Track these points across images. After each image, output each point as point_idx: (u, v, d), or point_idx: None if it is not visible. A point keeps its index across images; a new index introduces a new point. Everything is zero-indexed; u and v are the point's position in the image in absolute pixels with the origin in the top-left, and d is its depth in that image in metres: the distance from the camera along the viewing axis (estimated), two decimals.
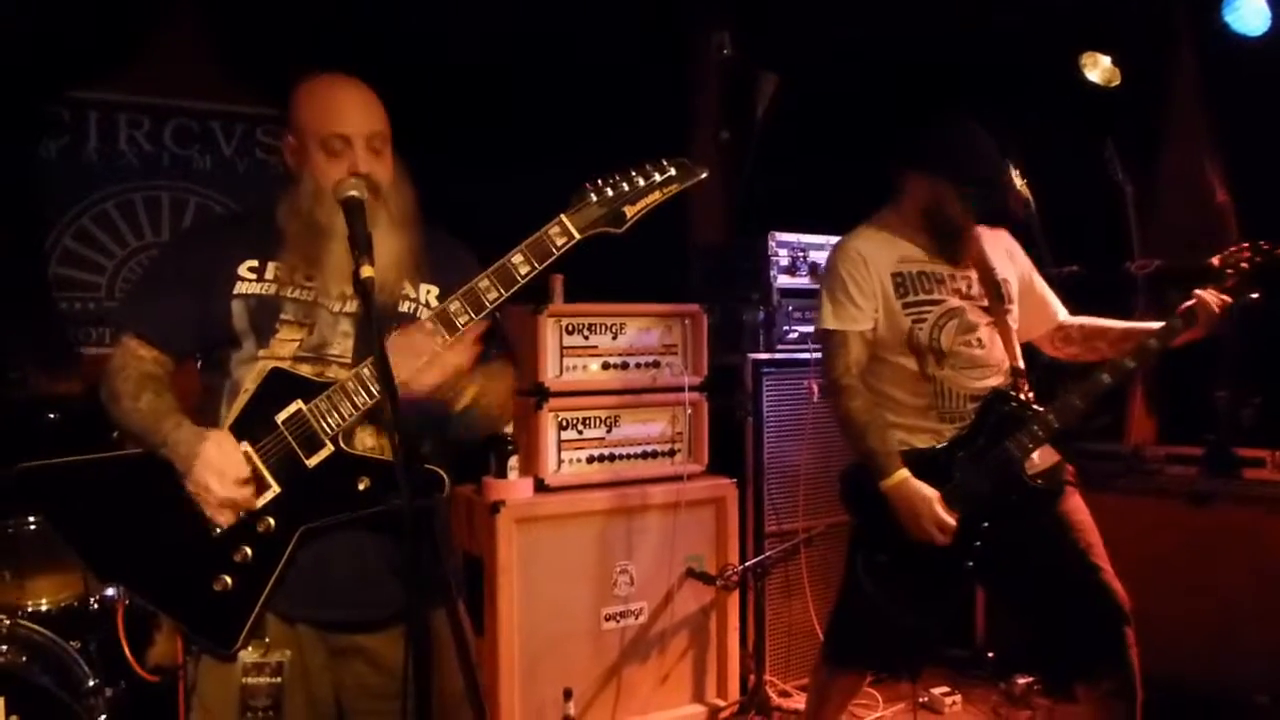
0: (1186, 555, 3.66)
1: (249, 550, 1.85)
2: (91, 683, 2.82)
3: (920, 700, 3.93)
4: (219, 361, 1.96)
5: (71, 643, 2.87)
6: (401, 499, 1.61)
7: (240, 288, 1.93)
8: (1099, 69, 4.22)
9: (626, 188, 1.94)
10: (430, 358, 1.84)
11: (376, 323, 1.73)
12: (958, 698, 3.95)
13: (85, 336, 4.14)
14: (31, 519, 2.99)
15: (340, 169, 1.90)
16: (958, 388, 2.79)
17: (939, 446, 2.78)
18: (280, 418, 1.85)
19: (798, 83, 4.67)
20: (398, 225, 1.95)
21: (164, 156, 4.32)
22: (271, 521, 1.85)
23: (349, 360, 1.92)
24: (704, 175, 2.01)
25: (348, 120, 1.93)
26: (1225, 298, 2.68)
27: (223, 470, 1.80)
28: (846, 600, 3.04)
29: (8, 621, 2.78)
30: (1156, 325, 2.76)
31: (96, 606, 3.05)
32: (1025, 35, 4.36)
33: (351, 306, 1.93)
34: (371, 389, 1.84)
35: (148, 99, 4.28)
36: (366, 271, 1.75)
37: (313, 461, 1.85)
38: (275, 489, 1.85)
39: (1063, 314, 3.04)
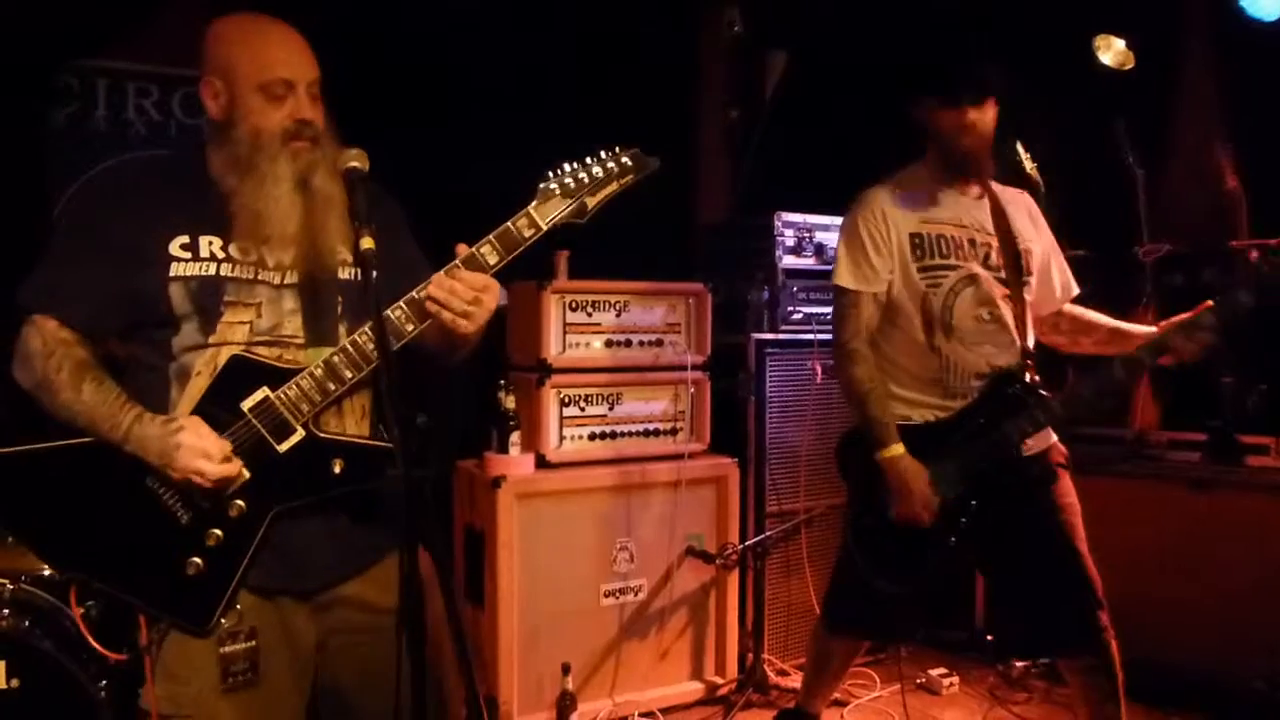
0: (1188, 541, 3.66)
1: (219, 533, 1.83)
2: (94, 648, 2.84)
3: (918, 681, 3.95)
4: (156, 343, 1.88)
5: (74, 608, 2.88)
6: (401, 473, 1.60)
7: (176, 269, 1.84)
8: (1112, 51, 4.18)
9: (586, 179, 1.95)
10: (477, 298, 1.86)
11: (374, 295, 1.72)
12: (955, 679, 3.95)
13: None
14: None
15: (281, 114, 1.87)
16: (964, 364, 2.78)
17: (936, 420, 2.78)
18: (247, 405, 1.83)
19: (807, 61, 4.65)
20: (334, 176, 1.89)
21: (171, 126, 4.31)
22: (242, 504, 1.84)
23: (302, 339, 1.91)
24: (656, 166, 2.03)
25: (292, 65, 1.89)
26: (1204, 341, 2.61)
27: (208, 452, 1.78)
28: (840, 565, 3.07)
29: (10, 586, 2.78)
30: (1144, 333, 2.74)
31: None
32: (1038, 16, 4.32)
33: (292, 278, 1.91)
34: (344, 375, 1.84)
35: (156, 68, 4.27)
36: (367, 243, 1.75)
37: (284, 447, 1.85)
38: (245, 475, 1.84)
39: (1065, 299, 3.01)
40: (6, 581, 2.79)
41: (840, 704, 3.71)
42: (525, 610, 3.49)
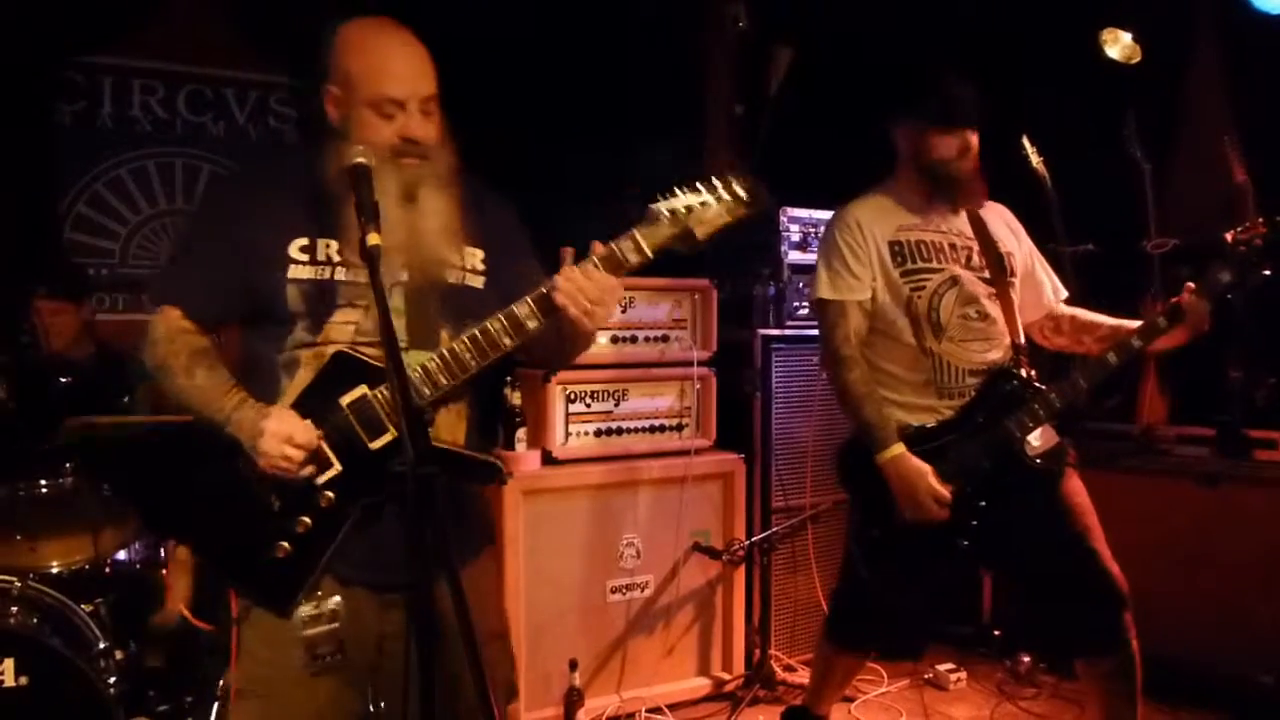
0: (1196, 535, 3.65)
1: (308, 520, 1.86)
2: (102, 645, 2.85)
3: (925, 677, 3.94)
4: (271, 337, 1.93)
5: (82, 606, 2.89)
6: (407, 467, 1.60)
7: (295, 271, 1.90)
8: (1119, 45, 4.17)
9: (696, 206, 1.92)
10: (607, 295, 1.89)
11: (379, 291, 1.71)
12: (963, 674, 3.95)
13: (99, 303, 4.16)
14: (43, 482, 3.00)
15: (390, 130, 1.89)
16: (957, 361, 2.77)
17: (936, 423, 2.76)
18: (345, 401, 1.85)
19: (812, 56, 4.64)
20: (444, 187, 1.93)
21: (177, 123, 4.34)
22: (331, 495, 1.86)
23: (405, 341, 1.91)
24: (766, 202, 2.00)
25: (403, 83, 1.89)
26: (1207, 304, 2.65)
27: (292, 438, 1.81)
28: (845, 580, 3.05)
29: (18, 584, 2.80)
30: (1139, 324, 2.75)
31: (109, 570, 3.08)
32: (1045, 10, 4.31)
33: (402, 278, 1.93)
34: (439, 380, 1.85)
35: (162, 65, 4.29)
36: (373, 239, 1.75)
37: (376, 445, 1.86)
38: (337, 468, 1.86)
39: (1057, 300, 3.01)
40: (15, 579, 2.81)
41: (848, 699, 3.70)
42: (532, 606, 3.48)
